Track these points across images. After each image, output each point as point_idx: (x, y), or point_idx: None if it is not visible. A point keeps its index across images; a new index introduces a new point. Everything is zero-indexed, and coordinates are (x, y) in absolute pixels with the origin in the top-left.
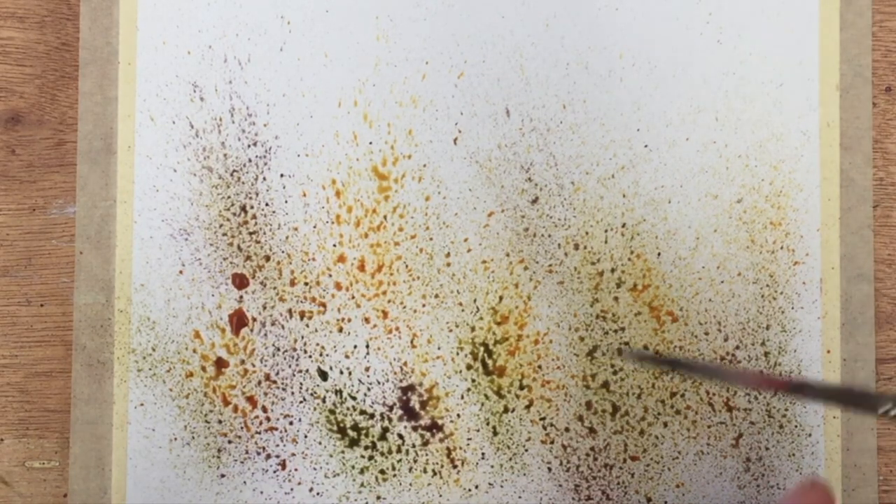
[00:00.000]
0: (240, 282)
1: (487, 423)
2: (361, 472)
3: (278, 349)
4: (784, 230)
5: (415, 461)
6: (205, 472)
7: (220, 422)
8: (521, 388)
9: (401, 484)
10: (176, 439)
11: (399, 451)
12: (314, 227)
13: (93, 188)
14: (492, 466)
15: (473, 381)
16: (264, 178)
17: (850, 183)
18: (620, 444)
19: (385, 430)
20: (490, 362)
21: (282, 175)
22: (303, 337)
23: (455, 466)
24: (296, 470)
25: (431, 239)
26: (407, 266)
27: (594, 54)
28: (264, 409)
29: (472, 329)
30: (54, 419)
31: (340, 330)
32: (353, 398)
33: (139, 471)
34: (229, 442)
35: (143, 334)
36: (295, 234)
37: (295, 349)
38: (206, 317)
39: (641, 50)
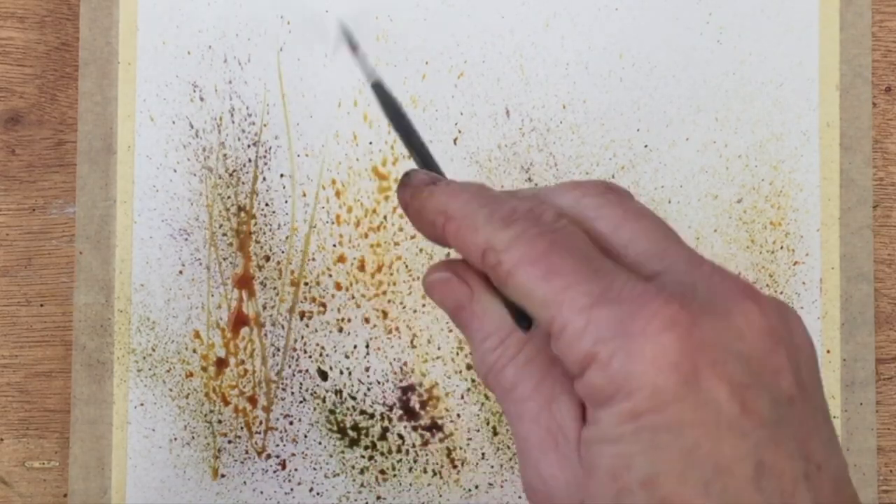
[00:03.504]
0: (240, 282)
1: (487, 423)
2: (361, 472)
3: (278, 349)
4: (784, 230)
5: (415, 461)
6: (205, 472)
7: (220, 422)
8: None
9: (401, 484)
10: (176, 439)
11: (399, 451)
12: (314, 227)
13: (93, 188)
14: (492, 466)
15: (473, 381)
16: (264, 178)
17: (850, 183)
18: None
19: (385, 430)
20: None
21: (282, 175)
22: (303, 337)
23: (455, 466)
24: (296, 470)
25: None
26: (407, 266)
27: (594, 54)
28: (264, 409)
29: None
30: (54, 419)
31: (340, 330)
32: (353, 398)
33: (139, 471)
34: (229, 442)
35: (143, 334)
36: (295, 234)
37: (295, 349)
38: (206, 317)
39: (641, 50)
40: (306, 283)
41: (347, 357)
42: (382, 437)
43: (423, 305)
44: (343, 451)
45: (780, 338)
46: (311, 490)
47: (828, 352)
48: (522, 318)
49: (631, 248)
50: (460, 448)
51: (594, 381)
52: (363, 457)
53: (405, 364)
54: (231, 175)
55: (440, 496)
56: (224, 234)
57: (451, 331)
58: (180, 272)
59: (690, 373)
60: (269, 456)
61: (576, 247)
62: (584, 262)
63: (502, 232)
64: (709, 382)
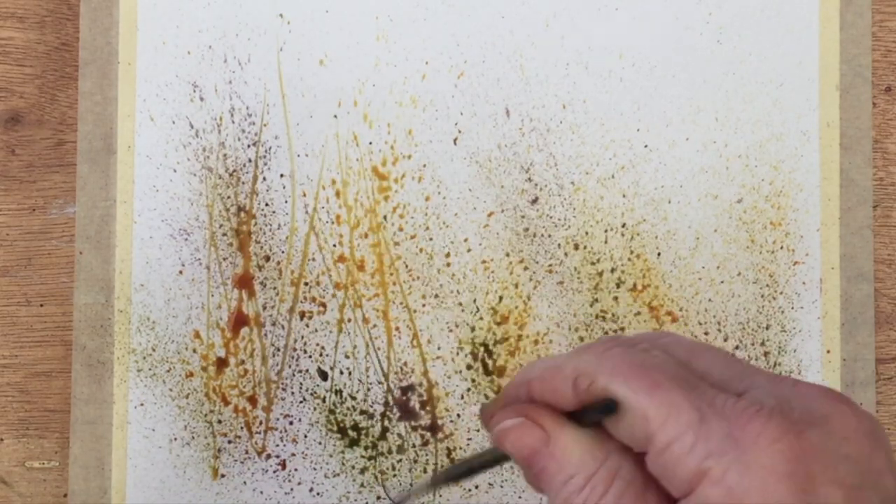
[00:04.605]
0: (240, 282)
1: None
2: (361, 472)
3: (278, 349)
4: (784, 230)
5: (415, 461)
6: (205, 472)
7: (220, 422)
8: None
9: (401, 484)
10: (176, 439)
11: (399, 451)
12: (314, 227)
13: (93, 188)
14: None
15: (473, 381)
16: (264, 178)
17: (850, 183)
18: None
19: (385, 430)
20: (490, 362)
21: (282, 175)
22: (303, 337)
23: None
24: (296, 470)
25: (431, 239)
26: (407, 266)
27: (594, 54)
28: (264, 409)
29: (472, 329)
30: (54, 419)
31: (340, 330)
32: (353, 398)
33: (139, 471)
34: (229, 442)
35: (143, 334)
36: (295, 234)
37: (295, 349)
38: (205, 317)
39: (641, 50)
40: (306, 283)
41: (347, 357)
42: (382, 437)
43: (423, 305)
44: (343, 451)
45: (878, 438)
46: (311, 490)
47: (828, 352)
48: (607, 406)
49: (710, 374)
50: (460, 448)
51: (709, 498)
52: (363, 457)
53: (405, 364)
54: (231, 175)
55: (440, 496)
56: (224, 234)
57: (450, 331)
58: (180, 272)
59: (806, 481)
60: (269, 456)
61: (667, 365)
62: (680, 378)
63: (589, 356)
64: (824, 488)
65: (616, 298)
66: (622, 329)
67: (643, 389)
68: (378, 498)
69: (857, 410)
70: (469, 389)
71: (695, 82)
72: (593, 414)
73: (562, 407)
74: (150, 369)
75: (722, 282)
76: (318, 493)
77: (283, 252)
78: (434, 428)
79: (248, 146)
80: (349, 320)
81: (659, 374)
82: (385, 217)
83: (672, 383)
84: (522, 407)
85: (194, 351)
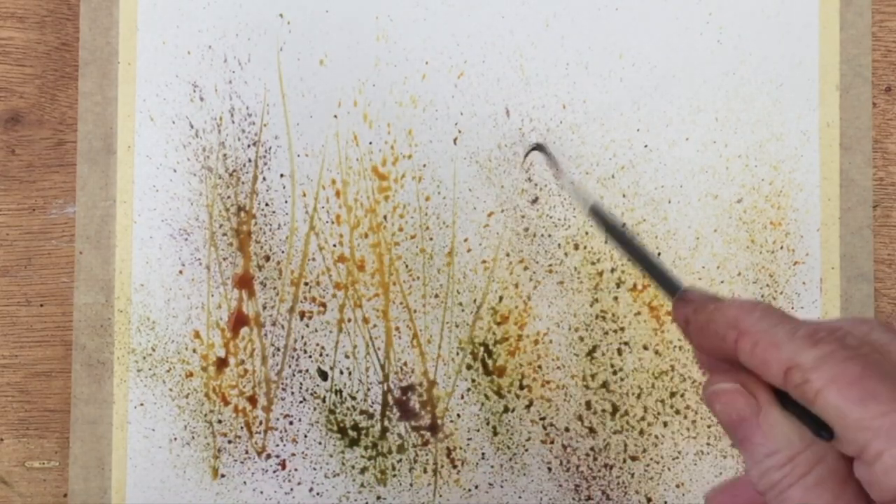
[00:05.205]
0: (240, 282)
1: (487, 423)
2: (361, 472)
3: (278, 349)
4: (784, 230)
5: (415, 461)
6: (205, 472)
7: (220, 422)
8: (521, 388)
9: (401, 484)
10: (176, 439)
11: (399, 451)
12: (314, 227)
13: (93, 188)
14: (492, 466)
15: (473, 381)
16: (264, 178)
17: (850, 183)
18: (620, 444)
19: (385, 430)
20: (490, 362)
21: (282, 175)
22: (303, 337)
23: (455, 466)
24: (296, 470)
25: (431, 239)
26: (407, 266)
27: (594, 54)
28: (264, 409)
29: (473, 329)
30: (54, 419)
31: (340, 330)
32: (353, 398)
33: (139, 471)
34: (229, 442)
35: (143, 334)
36: (295, 234)
37: (295, 349)
38: (206, 317)
39: (641, 50)
40: (306, 283)
41: (347, 357)
42: (382, 437)
43: (424, 305)
44: (343, 451)
45: None
46: (311, 490)
47: None
48: (822, 430)
49: None
50: (460, 448)
51: None
52: (363, 457)
53: (405, 364)
54: (231, 175)
55: (440, 496)
56: (224, 234)
57: (450, 331)
58: (180, 272)
59: None
60: (269, 456)
61: (887, 373)
62: None
63: (809, 350)
64: None
65: (616, 298)
66: (622, 329)
67: (857, 399)
68: (378, 498)
69: None
70: (469, 389)
71: (695, 82)
72: (805, 422)
73: (766, 379)
74: (150, 369)
75: (722, 282)
76: (318, 493)
77: (283, 252)
78: (434, 428)
79: (248, 146)
80: (349, 320)
81: (876, 383)
82: (385, 217)
83: (889, 394)
84: (737, 375)
85: (194, 351)
